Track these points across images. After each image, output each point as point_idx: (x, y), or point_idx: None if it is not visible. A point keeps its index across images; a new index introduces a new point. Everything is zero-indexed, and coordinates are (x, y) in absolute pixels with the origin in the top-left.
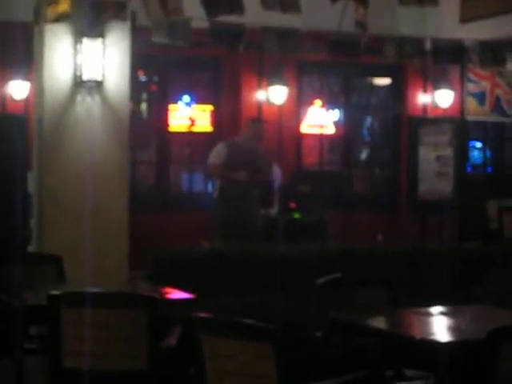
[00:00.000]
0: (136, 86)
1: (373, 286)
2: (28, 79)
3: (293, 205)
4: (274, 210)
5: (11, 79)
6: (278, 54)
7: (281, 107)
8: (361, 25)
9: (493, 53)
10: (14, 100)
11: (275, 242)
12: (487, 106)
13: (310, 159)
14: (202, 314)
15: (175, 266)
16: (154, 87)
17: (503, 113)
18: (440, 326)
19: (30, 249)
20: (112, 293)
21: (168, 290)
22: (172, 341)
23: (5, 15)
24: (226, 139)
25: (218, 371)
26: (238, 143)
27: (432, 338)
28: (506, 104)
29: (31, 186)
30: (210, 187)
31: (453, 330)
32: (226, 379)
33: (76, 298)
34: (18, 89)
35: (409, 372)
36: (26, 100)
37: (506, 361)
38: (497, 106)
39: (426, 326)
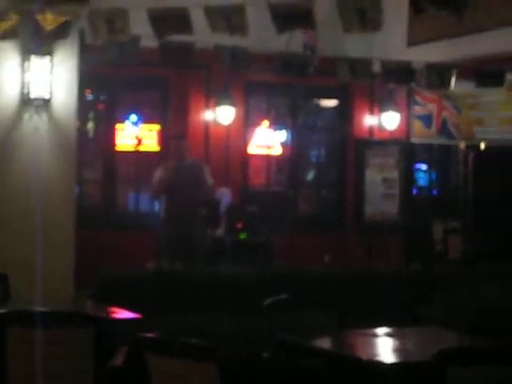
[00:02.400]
0: (83, 105)
1: (320, 307)
2: None
3: (239, 225)
4: (220, 230)
5: None
6: (229, 70)
7: (228, 127)
8: (310, 47)
9: (439, 75)
10: None
11: (222, 262)
12: (434, 129)
13: (257, 180)
14: (148, 334)
15: (121, 285)
16: (101, 106)
17: (450, 135)
18: (386, 348)
19: None
20: (59, 312)
21: (114, 309)
22: (118, 360)
23: None
24: (162, 163)
25: None
26: (170, 166)
27: (378, 359)
28: (453, 126)
29: None
30: (156, 207)
31: (399, 351)
32: None
33: (22, 316)
34: None
35: None
36: None
37: (453, 383)
38: (443, 129)
39: (373, 347)
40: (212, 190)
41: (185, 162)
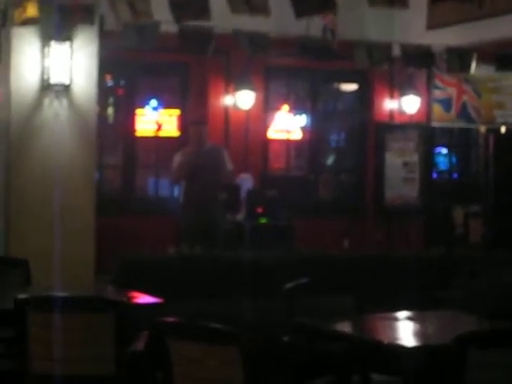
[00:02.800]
0: (103, 91)
1: (340, 292)
2: None
3: (259, 210)
4: (240, 215)
5: None
6: (248, 54)
7: (248, 112)
8: (329, 30)
9: (459, 59)
10: None
11: (242, 247)
12: (453, 113)
13: (277, 164)
14: (169, 319)
15: (142, 270)
16: (121, 91)
17: (469, 119)
18: (406, 331)
19: None
20: (79, 297)
21: (135, 294)
22: (139, 345)
23: None
24: (181, 149)
25: (185, 376)
26: (190, 151)
27: (399, 342)
28: (473, 110)
29: None
30: (176, 192)
31: (419, 335)
32: (192, 383)
33: (43, 301)
34: None
35: (376, 376)
36: None
37: (473, 366)
38: (463, 113)
39: (393, 331)
40: (232, 174)
41: (204, 147)
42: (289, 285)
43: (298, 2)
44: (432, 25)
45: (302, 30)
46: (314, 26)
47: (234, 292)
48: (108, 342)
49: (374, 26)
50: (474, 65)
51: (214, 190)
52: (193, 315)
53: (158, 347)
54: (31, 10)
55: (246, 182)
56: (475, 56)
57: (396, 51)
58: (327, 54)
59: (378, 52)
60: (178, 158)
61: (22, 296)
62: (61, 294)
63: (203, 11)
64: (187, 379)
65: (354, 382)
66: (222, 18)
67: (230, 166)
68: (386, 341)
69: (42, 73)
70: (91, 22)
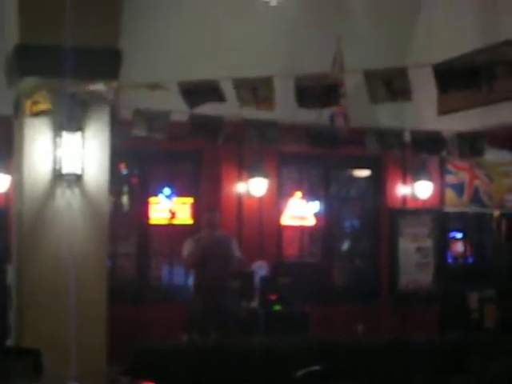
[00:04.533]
0: (117, 179)
1: (353, 378)
2: (8, 172)
3: (273, 297)
4: (254, 303)
5: None
6: (259, 145)
7: (261, 199)
8: (343, 116)
9: (470, 144)
10: None
11: (256, 334)
12: (466, 197)
13: (291, 251)
14: None
15: (155, 359)
16: (134, 180)
17: (481, 203)
18: None
19: (9, 342)
20: None
21: None
22: None
23: None
24: (192, 235)
25: None
26: (204, 237)
27: None
28: (484, 195)
29: (10, 279)
30: (190, 280)
31: None
32: None
33: None
34: None
35: None
36: (7, 193)
37: None
38: (475, 197)
39: None
40: (241, 262)
41: (215, 234)
42: (300, 372)
43: (301, 96)
44: (443, 111)
45: (313, 116)
46: (327, 112)
47: (248, 379)
48: None
49: (386, 113)
50: (485, 149)
51: (225, 279)
52: None
53: None
54: (43, 102)
55: (261, 269)
56: (486, 141)
57: (407, 137)
58: (336, 141)
59: (389, 138)
60: (188, 246)
61: None
62: None
63: (216, 95)
64: None
65: None
66: (232, 105)
67: (238, 253)
68: None
69: (54, 163)
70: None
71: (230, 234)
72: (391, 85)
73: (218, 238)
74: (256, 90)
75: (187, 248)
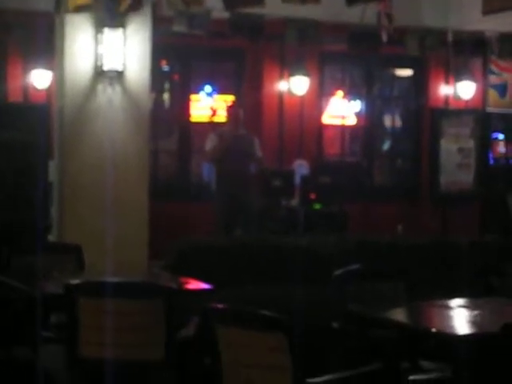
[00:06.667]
0: (158, 76)
1: (391, 278)
2: (50, 69)
3: (313, 196)
4: (294, 201)
5: (33, 68)
6: (299, 44)
7: (302, 98)
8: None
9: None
10: (36, 89)
11: (295, 232)
12: (508, 98)
13: (332, 150)
14: (218, 305)
15: (196, 255)
16: (176, 77)
17: None
18: (457, 319)
19: (51, 238)
20: (129, 283)
21: (187, 280)
22: (190, 331)
23: (27, 5)
24: (215, 130)
25: (233, 362)
26: (227, 132)
27: (448, 330)
28: None
29: (53, 175)
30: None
31: (470, 322)
32: (241, 370)
33: (93, 287)
34: (41, 78)
35: (425, 364)
36: (49, 89)
37: None
38: None
39: (443, 318)
40: (261, 162)
41: (238, 131)
42: (339, 271)
43: None
44: (488, 10)
45: (355, 15)
46: (370, 11)
47: (286, 278)
48: (158, 328)
49: (430, 13)
50: None
51: (245, 175)
52: (243, 302)
53: (207, 333)
54: None
55: (302, 168)
56: None
57: (451, 37)
58: (378, 42)
59: (431, 38)
60: (211, 139)
61: (72, 281)
62: (111, 279)
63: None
64: (235, 365)
65: (403, 370)
66: (273, 3)
67: (259, 153)
68: (434, 328)
69: (96, 59)
70: (142, 8)
71: (253, 134)
72: None
73: (241, 135)
74: None
75: (210, 142)
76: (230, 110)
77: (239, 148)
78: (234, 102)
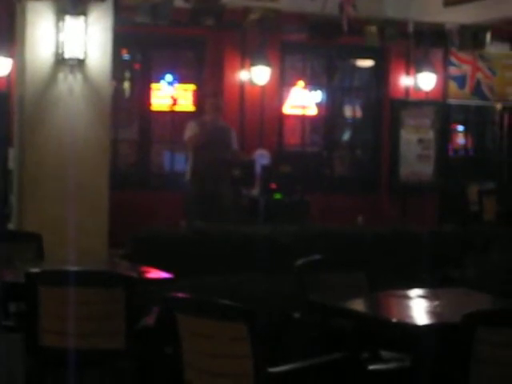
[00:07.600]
0: (119, 65)
1: (351, 268)
2: (10, 56)
3: (274, 185)
4: (255, 191)
5: None
6: (260, 33)
7: (263, 88)
8: (352, 5)
9: (473, 36)
10: None
11: (256, 222)
12: (467, 90)
13: (292, 140)
14: (179, 294)
15: (155, 244)
16: (137, 66)
17: (483, 97)
18: (417, 309)
19: (11, 226)
20: (90, 271)
21: (147, 269)
22: (150, 320)
23: None
24: (195, 118)
25: (194, 351)
26: (207, 121)
27: (408, 320)
28: (486, 88)
29: (12, 163)
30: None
31: (429, 312)
32: (202, 359)
33: (53, 276)
34: (1, 66)
35: (385, 354)
36: (8, 77)
37: (481, 344)
38: (477, 90)
39: (403, 308)
40: (236, 155)
41: (219, 120)
42: (300, 261)
43: None
44: (449, 2)
45: (316, 6)
46: (331, 0)
47: (247, 268)
48: (119, 317)
49: (391, 3)
50: (487, 42)
51: (221, 166)
52: (204, 291)
53: (168, 322)
54: None
55: (262, 157)
56: (489, 33)
57: (411, 28)
58: (338, 32)
59: (391, 29)
60: (192, 127)
61: (33, 270)
62: (72, 268)
63: None
64: (196, 355)
65: (364, 359)
66: None
67: (235, 146)
68: (394, 318)
69: (57, 47)
70: None
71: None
72: None
73: (221, 126)
74: None
75: (190, 130)
76: (209, 98)
77: (218, 139)
78: (215, 91)
